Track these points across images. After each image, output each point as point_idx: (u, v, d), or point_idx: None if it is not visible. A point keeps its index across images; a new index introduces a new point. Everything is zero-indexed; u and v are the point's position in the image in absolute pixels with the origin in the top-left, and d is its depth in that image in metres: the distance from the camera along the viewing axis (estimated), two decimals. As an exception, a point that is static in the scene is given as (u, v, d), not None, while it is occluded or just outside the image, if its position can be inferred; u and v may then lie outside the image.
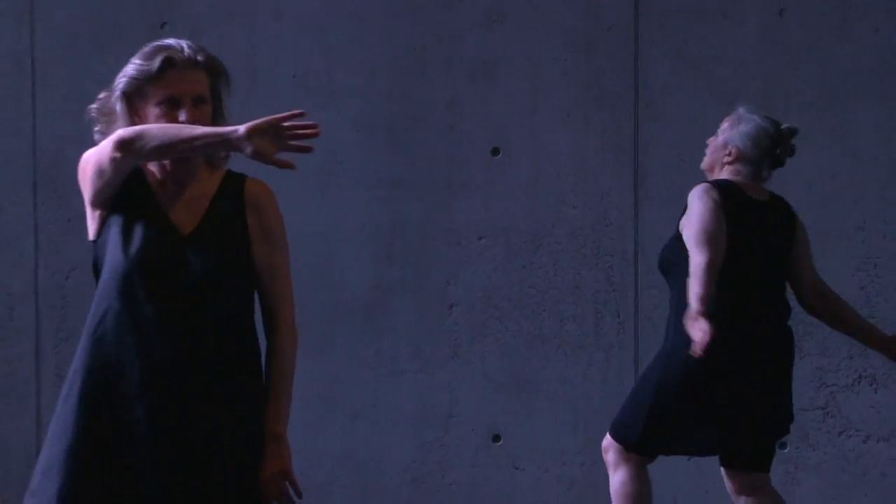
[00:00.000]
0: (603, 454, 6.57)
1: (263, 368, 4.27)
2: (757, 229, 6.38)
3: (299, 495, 4.21)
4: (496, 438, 7.97)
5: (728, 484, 6.50)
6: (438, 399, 8.03)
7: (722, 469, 6.51)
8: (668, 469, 7.58)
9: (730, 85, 7.84)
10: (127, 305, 4.13)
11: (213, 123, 4.19)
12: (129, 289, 4.12)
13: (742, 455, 6.46)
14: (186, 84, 4.16)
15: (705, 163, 6.58)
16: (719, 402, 6.31)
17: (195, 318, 4.14)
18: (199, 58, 4.20)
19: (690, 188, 7.60)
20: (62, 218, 8.04)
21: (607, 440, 6.50)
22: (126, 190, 4.20)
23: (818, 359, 7.81)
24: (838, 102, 7.82)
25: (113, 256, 4.13)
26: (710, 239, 6.18)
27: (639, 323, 7.87)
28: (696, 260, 6.15)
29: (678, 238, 6.42)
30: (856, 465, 7.82)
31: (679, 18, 7.89)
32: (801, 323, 7.54)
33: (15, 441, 8.18)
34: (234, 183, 4.29)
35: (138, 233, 4.16)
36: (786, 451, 7.77)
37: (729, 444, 6.46)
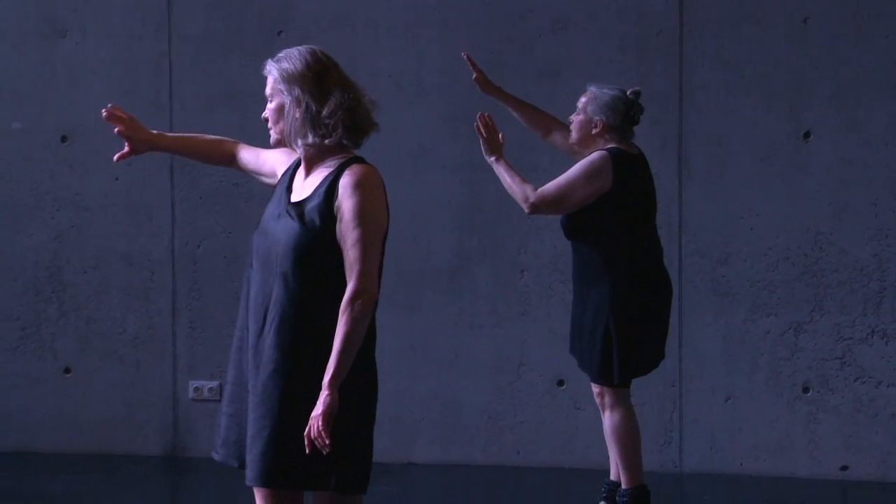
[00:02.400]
0: (597, 399, 6.61)
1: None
2: (647, 179, 6.57)
3: (324, 444, 4.03)
4: (560, 383, 8.07)
5: (609, 399, 6.53)
6: (511, 350, 8.13)
7: (600, 387, 6.54)
8: (704, 409, 7.92)
9: (760, 82, 7.88)
10: (251, 267, 4.33)
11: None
12: (251, 251, 4.33)
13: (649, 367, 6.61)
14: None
15: (575, 138, 6.60)
16: (655, 321, 6.52)
17: (275, 280, 4.20)
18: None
19: (726, 170, 7.89)
20: (195, 196, 8.28)
21: (596, 388, 6.58)
22: (285, 173, 4.40)
23: (837, 316, 7.83)
24: (854, 98, 7.81)
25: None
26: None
27: (682, 285, 7.88)
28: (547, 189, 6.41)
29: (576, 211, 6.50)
30: (869, 408, 7.84)
31: (717, 25, 7.91)
32: (822, 285, 7.82)
33: (156, 382, 8.46)
34: (342, 167, 4.24)
35: (270, 205, 4.37)
36: (808, 394, 7.85)
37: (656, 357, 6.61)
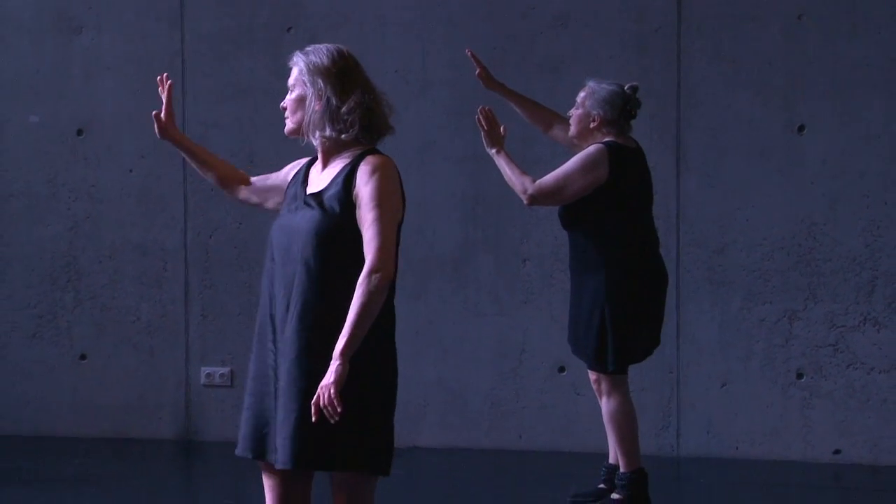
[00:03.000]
0: (594, 386, 6.66)
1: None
2: (643, 172, 6.59)
3: (336, 411, 4.02)
4: (561, 370, 8.09)
5: (605, 385, 6.56)
6: (513, 337, 8.16)
7: (597, 374, 6.58)
8: (701, 395, 7.96)
9: (756, 77, 7.89)
10: (269, 260, 4.34)
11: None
12: (269, 242, 4.34)
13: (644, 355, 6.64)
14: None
15: (574, 132, 6.62)
16: (650, 310, 6.55)
17: (296, 269, 4.22)
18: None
19: (723, 162, 7.90)
20: (207, 188, 8.17)
21: (593, 374, 6.61)
22: (297, 175, 4.46)
23: (830, 304, 7.84)
24: (848, 92, 7.82)
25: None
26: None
27: (680, 274, 7.91)
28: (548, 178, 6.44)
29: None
30: (861, 393, 7.85)
31: (715, 22, 7.92)
32: (815, 273, 7.84)
33: (168, 368, 8.50)
34: (358, 158, 4.29)
35: (287, 201, 4.41)
36: (802, 380, 7.87)
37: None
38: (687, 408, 8.05)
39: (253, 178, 4.68)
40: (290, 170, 4.57)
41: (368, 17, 8.27)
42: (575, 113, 6.64)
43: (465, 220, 8.22)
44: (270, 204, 4.62)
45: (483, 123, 6.50)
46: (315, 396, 4.06)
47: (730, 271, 7.98)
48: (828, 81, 7.88)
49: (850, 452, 7.93)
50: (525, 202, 6.53)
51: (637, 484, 6.61)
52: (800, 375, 7.93)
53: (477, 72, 6.86)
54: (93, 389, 8.59)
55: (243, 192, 4.69)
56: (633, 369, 6.82)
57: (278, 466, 4.23)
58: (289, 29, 8.26)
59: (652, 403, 8.02)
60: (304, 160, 4.52)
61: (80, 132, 8.52)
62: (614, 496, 6.68)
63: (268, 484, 4.38)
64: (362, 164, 4.26)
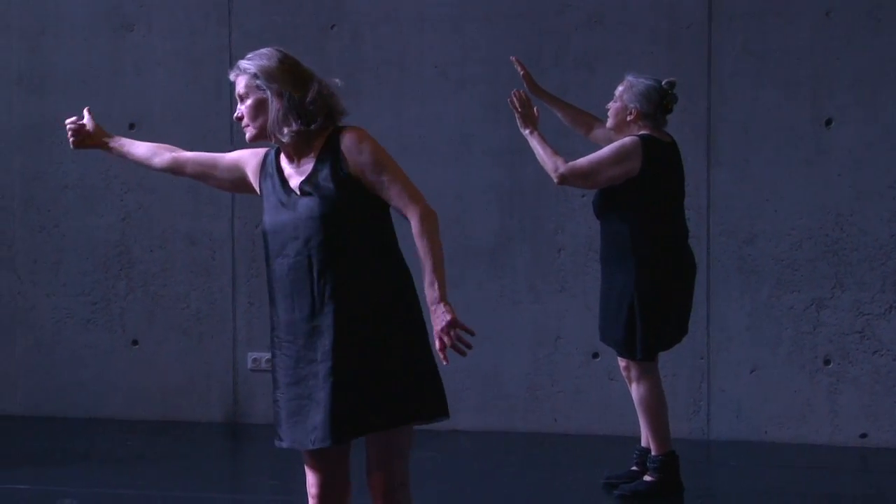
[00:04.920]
0: (624, 374, 6.64)
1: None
2: (676, 165, 6.57)
3: (468, 345, 4.12)
4: (595, 356, 8.07)
5: (635, 372, 6.54)
6: (548, 324, 8.15)
7: (626, 361, 6.54)
8: (731, 380, 7.92)
9: (784, 72, 7.85)
10: (274, 258, 4.31)
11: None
12: (270, 244, 4.30)
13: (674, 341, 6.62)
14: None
15: (611, 124, 6.60)
16: (678, 299, 6.52)
17: (313, 255, 4.21)
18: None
19: (752, 155, 7.87)
20: None
21: (623, 361, 6.59)
22: (265, 168, 4.41)
23: (856, 292, 7.80)
24: (872, 86, 7.77)
25: (263, 221, 4.34)
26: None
27: (710, 264, 7.89)
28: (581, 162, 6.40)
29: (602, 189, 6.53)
30: (887, 379, 7.81)
31: (744, 19, 7.89)
32: (842, 264, 7.79)
33: (217, 353, 8.53)
34: (333, 137, 4.30)
35: (270, 199, 4.36)
36: (829, 366, 7.83)
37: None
38: (717, 393, 8.01)
39: (187, 154, 4.65)
40: (251, 158, 4.51)
41: (409, 14, 8.26)
42: (613, 106, 6.62)
43: (501, 210, 8.20)
44: (212, 181, 4.62)
45: (517, 105, 6.50)
46: (437, 342, 4.12)
47: (759, 260, 7.93)
48: (854, 76, 7.83)
49: (876, 436, 7.87)
50: (555, 181, 6.49)
51: (668, 466, 6.59)
52: (827, 361, 7.88)
53: (521, 73, 6.80)
54: (144, 374, 8.61)
55: (174, 164, 4.65)
56: (664, 356, 6.79)
57: (326, 444, 4.22)
58: (332, 26, 8.26)
59: (683, 388, 7.98)
60: (260, 151, 4.48)
61: (132, 126, 8.51)
62: (647, 478, 6.65)
63: (312, 465, 4.36)
64: (343, 139, 4.29)
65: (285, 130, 4.28)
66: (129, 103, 8.55)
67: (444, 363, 4.19)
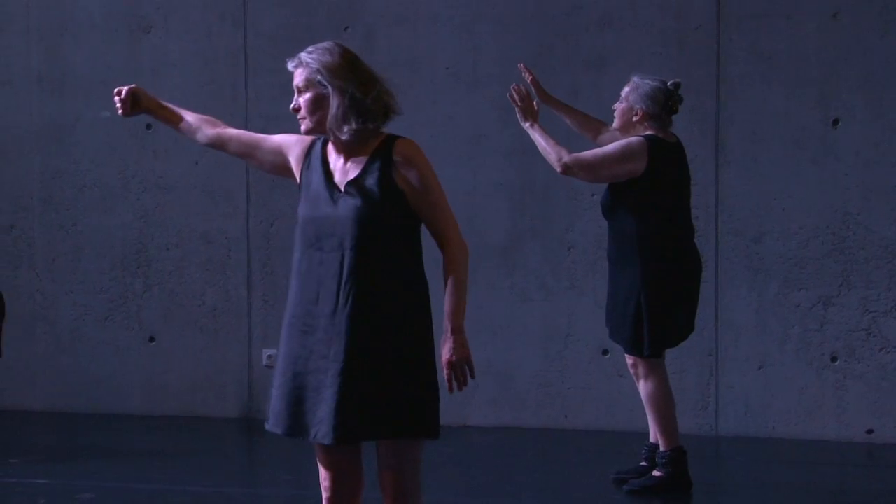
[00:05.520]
0: (631, 371, 6.64)
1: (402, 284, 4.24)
2: (681, 165, 6.56)
3: (473, 376, 4.22)
4: (605, 353, 8.07)
5: (642, 369, 6.54)
6: (559, 321, 8.14)
7: (633, 358, 6.55)
8: (739, 377, 7.91)
9: (792, 73, 7.84)
10: (304, 248, 4.31)
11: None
12: (303, 234, 4.31)
13: (680, 339, 6.60)
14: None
15: (617, 124, 6.60)
16: (685, 297, 6.51)
17: (345, 256, 4.22)
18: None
19: (760, 154, 7.86)
20: (268, 179, 8.19)
21: (630, 359, 6.59)
22: (309, 158, 4.39)
23: (863, 290, 7.79)
24: (879, 87, 7.76)
25: (299, 210, 4.34)
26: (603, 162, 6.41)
27: (719, 262, 7.89)
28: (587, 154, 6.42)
29: (610, 187, 6.53)
30: (893, 375, 7.80)
31: (753, 20, 7.88)
32: (849, 262, 7.77)
33: (232, 350, 8.54)
34: (387, 144, 4.28)
35: (310, 190, 4.34)
36: (836, 363, 7.82)
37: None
38: (725, 389, 8.00)
39: (232, 131, 4.59)
40: (295, 145, 4.47)
41: (422, 16, 8.26)
42: (619, 106, 6.62)
43: (513, 209, 8.20)
44: (254, 161, 4.58)
45: (516, 99, 6.51)
46: (446, 370, 4.18)
47: (767, 259, 7.92)
48: (861, 76, 7.81)
49: (883, 432, 7.86)
50: (558, 170, 6.48)
51: (677, 462, 6.59)
52: (834, 358, 7.87)
53: (529, 78, 6.79)
54: (161, 370, 8.63)
55: (217, 140, 4.60)
56: (673, 352, 6.78)
57: (341, 441, 4.23)
58: (346, 28, 8.25)
59: (692, 385, 7.97)
60: (306, 139, 4.43)
61: (148, 126, 8.53)
62: (655, 473, 6.65)
63: (325, 460, 4.38)
64: (397, 147, 4.27)
65: (345, 128, 4.25)
66: (146, 104, 8.54)
67: (450, 392, 4.23)
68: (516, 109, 6.56)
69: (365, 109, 4.24)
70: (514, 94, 6.53)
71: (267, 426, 4.38)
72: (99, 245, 8.67)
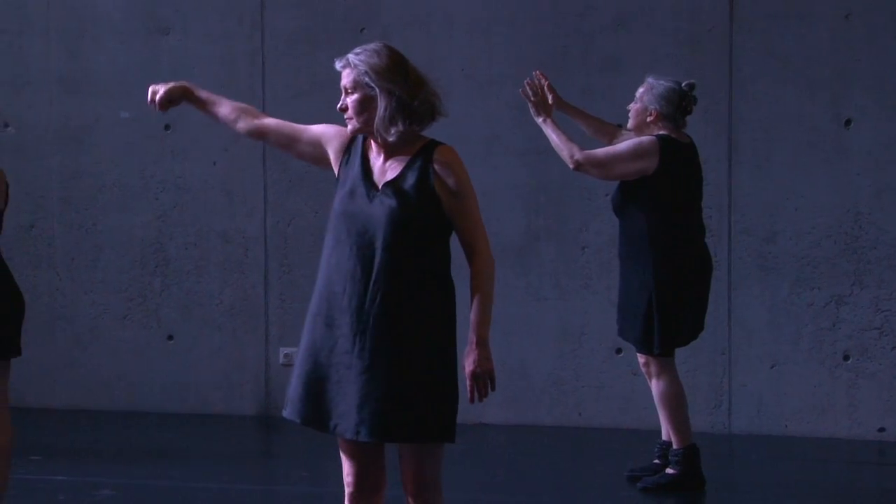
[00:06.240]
0: (643, 369, 6.65)
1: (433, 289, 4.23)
2: (693, 165, 6.55)
3: (493, 389, 4.24)
4: (618, 351, 8.06)
5: (654, 367, 6.53)
6: (573, 320, 8.14)
7: (645, 357, 6.54)
8: (752, 375, 7.90)
9: (805, 73, 7.83)
10: (335, 243, 4.33)
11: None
12: (336, 229, 4.32)
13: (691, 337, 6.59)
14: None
15: (632, 124, 6.59)
16: (695, 296, 6.49)
17: (377, 255, 4.24)
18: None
19: (773, 155, 7.85)
20: (285, 179, 8.35)
21: (642, 357, 6.60)
22: (349, 153, 4.39)
23: (875, 289, 7.78)
24: (891, 87, 7.74)
25: (335, 203, 4.35)
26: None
27: (732, 261, 7.88)
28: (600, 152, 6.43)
29: (621, 185, 6.53)
30: None
31: (765, 21, 7.87)
32: (862, 261, 7.76)
33: (250, 348, 8.53)
34: (428, 149, 4.30)
35: (346, 185, 4.34)
36: (849, 362, 7.80)
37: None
38: (738, 387, 7.99)
39: (271, 121, 4.55)
40: (334, 137, 4.45)
41: (437, 17, 8.25)
42: (633, 107, 6.62)
43: (527, 209, 8.19)
44: (294, 152, 4.55)
45: (529, 95, 6.50)
46: (471, 381, 4.18)
47: (779, 258, 7.91)
48: (873, 77, 7.80)
49: (895, 430, 7.84)
50: (571, 167, 6.48)
51: (689, 459, 6.59)
52: (846, 357, 7.85)
53: (545, 83, 6.74)
54: (179, 368, 8.63)
55: (256, 131, 4.56)
56: (686, 351, 6.76)
57: (361, 439, 4.23)
58: (362, 29, 8.24)
59: (705, 383, 7.96)
60: (346, 131, 4.39)
61: (167, 127, 8.54)
62: (669, 471, 6.65)
63: (349, 456, 4.38)
64: (438, 153, 4.28)
65: (392, 130, 4.25)
66: (164, 105, 8.54)
67: (470, 402, 4.23)
68: (529, 104, 6.54)
69: (412, 111, 4.24)
70: (527, 89, 6.52)
71: (285, 413, 4.39)
72: (118, 244, 8.67)
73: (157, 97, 4.63)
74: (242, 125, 4.58)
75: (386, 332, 4.20)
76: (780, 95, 7.88)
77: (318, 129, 4.50)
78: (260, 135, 4.58)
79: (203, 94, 4.65)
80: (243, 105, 4.63)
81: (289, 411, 4.37)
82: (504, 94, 8.11)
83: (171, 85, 4.63)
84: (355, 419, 4.22)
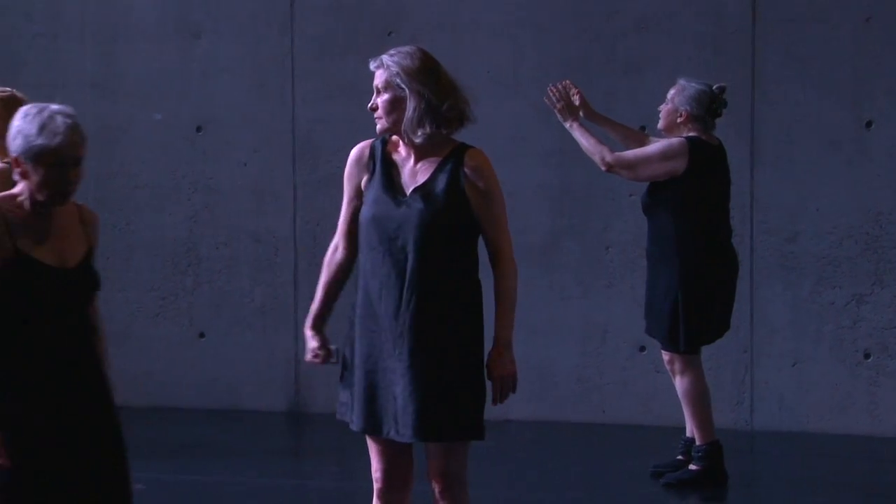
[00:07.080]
0: (668, 367, 6.64)
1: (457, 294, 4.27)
2: (722, 167, 6.57)
3: (514, 391, 4.33)
4: (642, 349, 8.04)
5: (678, 365, 6.53)
6: (597, 318, 8.14)
7: (670, 354, 6.54)
8: (774, 373, 7.90)
9: (826, 76, 7.81)
10: (367, 250, 4.34)
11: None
12: (367, 236, 4.33)
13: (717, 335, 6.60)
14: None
15: (662, 125, 6.60)
16: (721, 295, 6.50)
17: (409, 259, 4.25)
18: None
19: (795, 156, 7.84)
20: (314, 180, 8.33)
21: (667, 355, 6.60)
22: (369, 163, 4.40)
23: (895, 288, 7.75)
24: (912, 89, 7.72)
25: (363, 211, 4.35)
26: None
27: (754, 260, 7.86)
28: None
29: (650, 186, 6.54)
30: None
31: (788, 24, 7.86)
32: (882, 261, 7.75)
33: (279, 346, 8.55)
34: (458, 152, 4.33)
35: (372, 191, 4.36)
36: (869, 360, 7.79)
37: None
38: (760, 385, 7.99)
39: (345, 238, 4.49)
40: (353, 169, 4.44)
41: (463, 21, 8.26)
42: (664, 108, 6.64)
43: (552, 209, 8.20)
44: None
45: (554, 101, 6.50)
46: (496, 384, 4.25)
47: (801, 258, 7.90)
48: (894, 79, 7.78)
49: (915, 428, 7.84)
50: (602, 168, 6.53)
51: (712, 456, 6.60)
52: (867, 355, 7.84)
53: (575, 93, 6.71)
54: (210, 365, 8.66)
55: (351, 255, 4.53)
56: (709, 349, 6.78)
57: (404, 440, 4.27)
58: (390, 33, 8.25)
59: (727, 381, 7.96)
60: (359, 152, 4.41)
61: (199, 129, 8.58)
62: (692, 467, 6.66)
63: (377, 452, 4.41)
64: (468, 156, 4.31)
65: (419, 132, 4.27)
66: (196, 107, 8.58)
67: (493, 405, 4.26)
68: (556, 110, 6.55)
69: (440, 115, 4.26)
70: (550, 95, 6.52)
71: (339, 416, 4.42)
72: (150, 244, 8.70)
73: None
74: (342, 268, 4.53)
75: (421, 334, 4.23)
76: (801, 98, 7.87)
77: (348, 190, 4.47)
78: (355, 249, 4.47)
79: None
80: (330, 263, 4.60)
81: (354, 424, 4.38)
82: (529, 96, 8.07)
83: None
84: (402, 421, 4.26)
